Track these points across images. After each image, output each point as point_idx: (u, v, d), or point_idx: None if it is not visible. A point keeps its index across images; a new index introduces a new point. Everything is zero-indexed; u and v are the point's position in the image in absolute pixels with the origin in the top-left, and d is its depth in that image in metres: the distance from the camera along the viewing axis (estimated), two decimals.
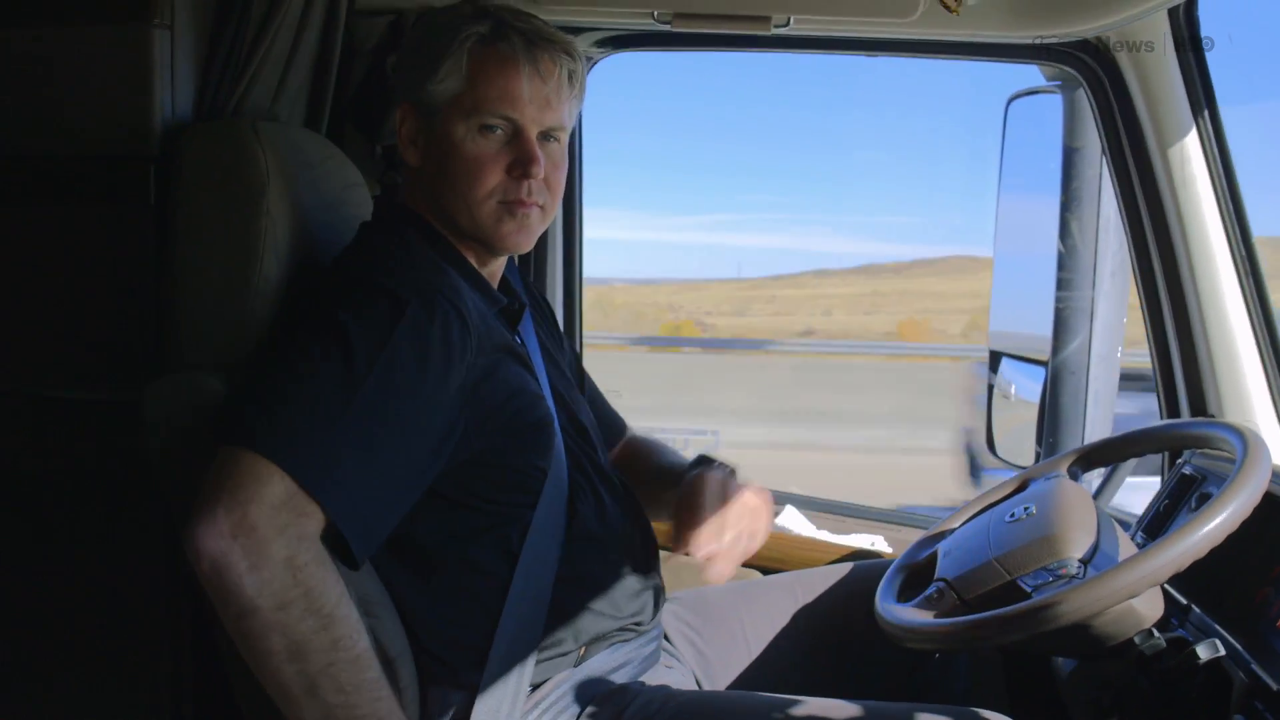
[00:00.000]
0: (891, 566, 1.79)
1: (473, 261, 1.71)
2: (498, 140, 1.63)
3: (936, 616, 1.58)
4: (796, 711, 1.63)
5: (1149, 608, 1.48)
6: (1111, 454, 1.91)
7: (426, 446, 1.49)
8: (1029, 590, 1.52)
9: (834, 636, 1.94)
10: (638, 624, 1.75)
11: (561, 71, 1.65)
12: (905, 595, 1.70)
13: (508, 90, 1.62)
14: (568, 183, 2.46)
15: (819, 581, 2.00)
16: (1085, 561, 1.55)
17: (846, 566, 2.03)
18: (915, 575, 1.75)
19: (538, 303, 1.97)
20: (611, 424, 2.08)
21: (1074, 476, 1.83)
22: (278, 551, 1.32)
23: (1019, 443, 2.47)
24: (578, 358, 2.14)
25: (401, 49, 1.66)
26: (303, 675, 1.35)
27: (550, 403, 1.70)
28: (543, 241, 2.49)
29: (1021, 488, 1.85)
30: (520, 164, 1.63)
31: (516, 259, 2.41)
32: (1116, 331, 2.40)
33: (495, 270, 1.75)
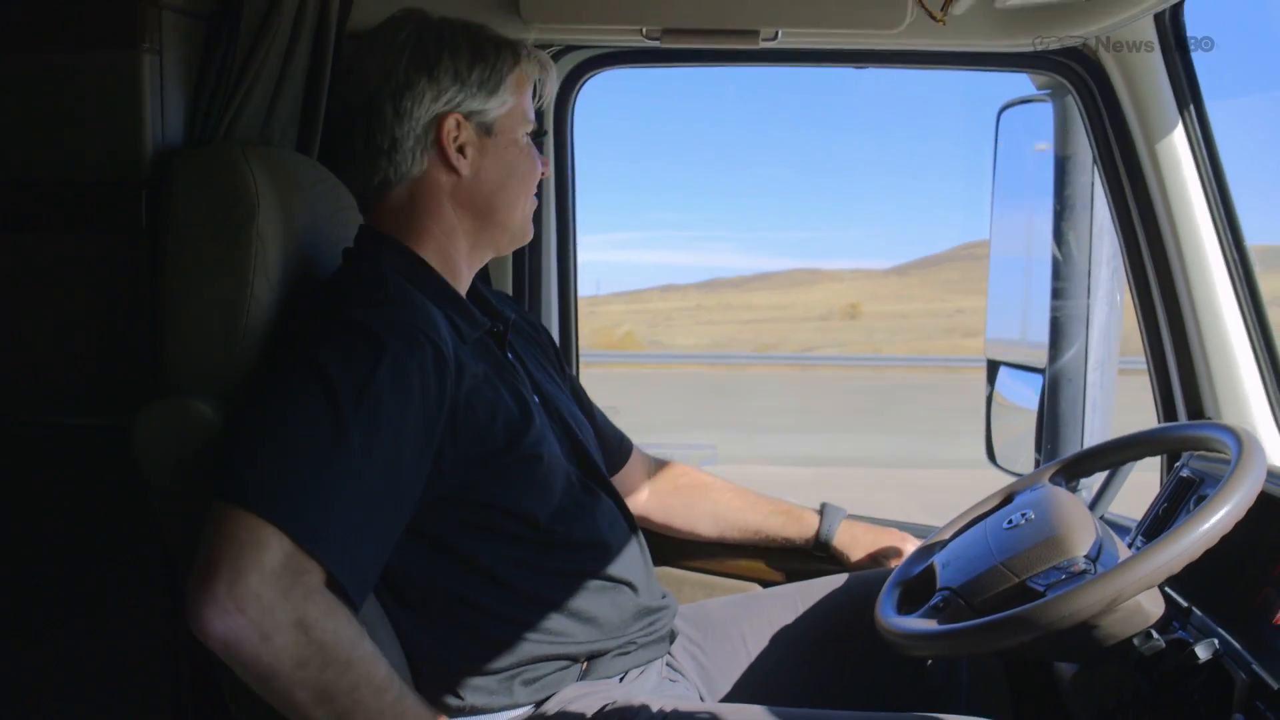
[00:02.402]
0: (887, 583, 1.79)
1: (455, 284, 1.73)
2: (528, 144, 1.78)
3: (943, 624, 1.57)
4: None
5: (1153, 605, 1.49)
6: (1095, 463, 1.92)
7: (413, 484, 1.50)
8: (1041, 590, 1.52)
9: (835, 647, 1.94)
10: (639, 641, 1.75)
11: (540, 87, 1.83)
12: (905, 609, 1.70)
13: (530, 102, 1.79)
14: (562, 208, 2.53)
15: (818, 592, 2.00)
16: (1093, 559, 1.56)
17: (843, 576, 2.03)
18: (912, 590, 1.75)
19: (532, 327, 1.98)
20: (616, 443, 2.09)
21: (1059, 486, 1.83)
22: (286, 616, 1.33)
23: (1018, 451, 2.47)
24: (576, 380, 2.16)
25: (434, 63, 1.67)
26: (332, 714, 1.37)
27: (544, 425, 1.71)
28: (537, 267, 2.50)
29: (1007, 500, 1.85)
30: (542, 164, 1.82)
31: (510, 285, 2.44)
32: (1113, 337, 2.40)
33: (465, 289, 1.79)
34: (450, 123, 1.68)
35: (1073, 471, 1.90)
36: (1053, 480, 1.86)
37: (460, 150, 1.70)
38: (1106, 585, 1.41)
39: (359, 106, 1.68)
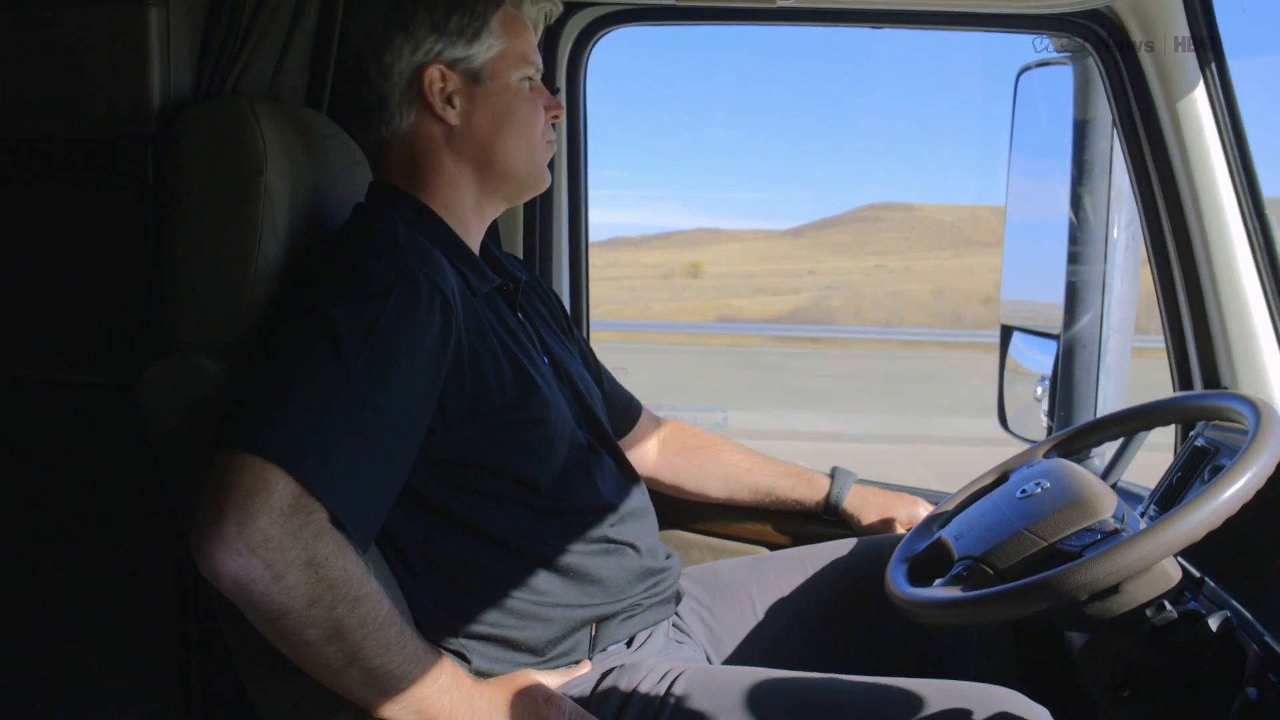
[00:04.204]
0: (892, 560, 1.77)
1: (467, 239, 1.73)
2: (528, 87, 1.75)
3: (970, 591, 1.56)
4: (807, 687, 1.62)
5: (1174, 569, 1.48)
6: (1089, 438, 1.92)
7: (418, 428, 1.50)
8: (1076, 550, 1.51)
9: (844, 611, 1.93)
10: (645, 603, 1.75)
11: (541, 25, 1.86)
12: (916, 584, 1.69)
13: (532, 43, 1.78)
14: (574, 169, 2.52)
15: (826, 556, 1.99)
16: (1120, 519, 1.56)
17: (852, 541, 2.02)
18: (920, 564, 1.73)
19: (542, 290, 1.98)
20: (624, 405, 2.09)
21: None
22: (297, 555, 1.33)
23: (1031, 417, 2.46)
24: (586, 343, 2.15)
25: (409, 16, 1.69)
26: (342, 651, 1.38)
27: (553, 388, 1.71)
28: (548, 228, 2.49)
29: (1002, 479, 1.83)
30: (551, 107, 1.79)
31: (520, 246, 2.44)
32: (1129, 305, 2.38)
33: (477, 244, 1.79)
34: (432, 73, 1.69)
35: (1066, 448, 1.90)
36: (1047, 456, 1.85)
37: (449, 101, 1.70)
38: (1150, 541, 1.40)
39: (350, 68, 1.72)
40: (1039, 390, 2.45)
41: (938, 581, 1.63)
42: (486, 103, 1.72)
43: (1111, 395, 2.37)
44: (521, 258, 2.45)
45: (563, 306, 2.03)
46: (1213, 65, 1.98)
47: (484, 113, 1.72)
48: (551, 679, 1.62)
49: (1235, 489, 1.42)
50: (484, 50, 1.70)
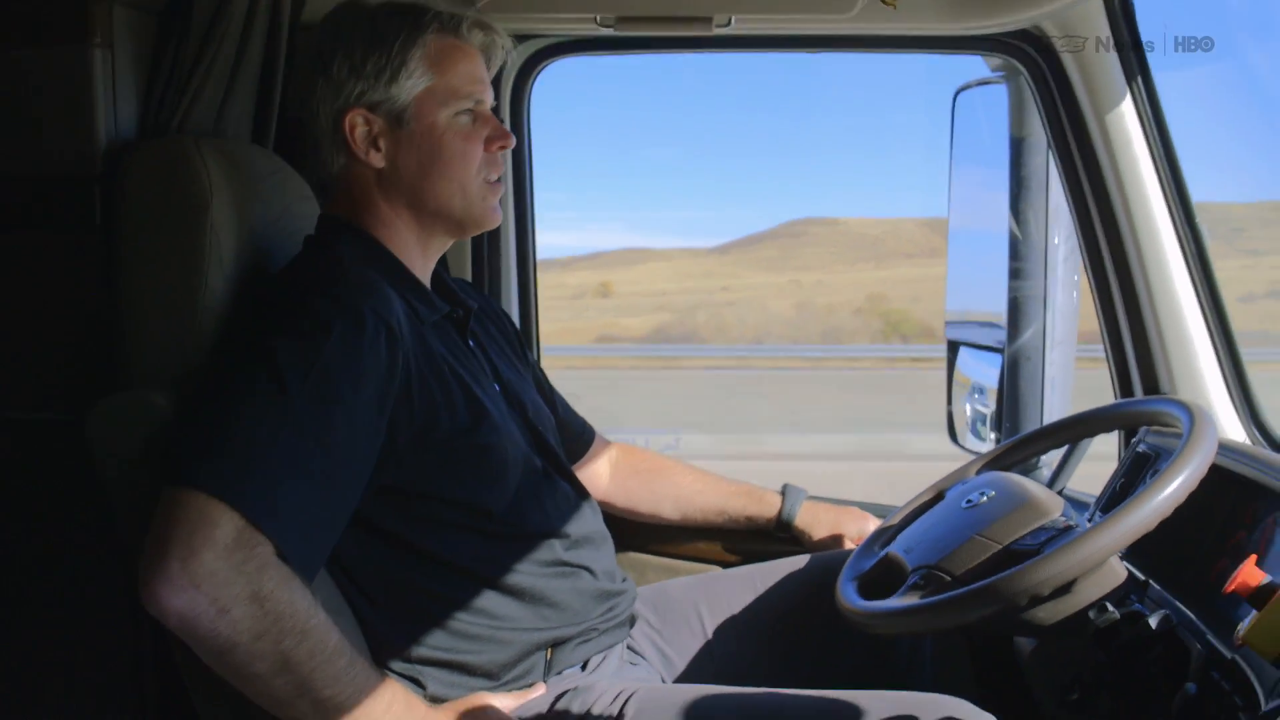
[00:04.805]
0: (840, 578, 1.78)
1: (415, 270, 1.73)
2: (468, 121, 1.70)
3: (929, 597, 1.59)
4: (755, 703, 1.64)
5: (1120, 567, 1.52)
6: (1029, 449, 1.96)
7: (365, 461, 1.51)
8: (1034, 548, 1.54)
9: (794, 627, 1.95)
10: (600, 626, 1.76)
11: (496, 51, 1.78)
12: (870, 599, 1.70)
13: (472, 74, 1.71)
14: (520, 196, 2.53)
15: (778, 572, 2.01)
16: (1070, 519, 1.60)
17: (804, 557, 2.04)
18: (871, 582, 1.74)
19: (495, 315, 1.99)
20: (578, 430, 2.10)
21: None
22: (241, 589, 1.33)
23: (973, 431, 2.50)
24: (539, 367, 2.16)
25: (329, 60, 1.67)
26: (291, 684, 1.39)
27: (503, 414, 1.72)
28: (496, 255, 2.50)
29: (938, 498, 1.86)
30: (497, 138, 1.73)
31: (469, 273, 2.44)
32: (1071, 317, 2.42)
33: (427, 274, 1.78)
34: (354, 119, 1.67)
35: (1008, 460, 1.93)
36: (980, 473, 1.88)
37: (375, 144, 1.68)
38: (1110, 531, 1.44)
39: (291, 110, 1.73)
40: (966, 408, 2.49)
41: (894, 594, 1.65)
42: (412, 144, 1.68)
43: (1057, 406, 2.40)
44: (470, 282, 2.46)
45: (516, 331, 2.04)
46: (1139, 79, 2.03)
47: (409, 155, 1.68)
48: (505, 701, 1.63)
49: (1179, 481, 1.47)
50: (406, 90, 1.66)
